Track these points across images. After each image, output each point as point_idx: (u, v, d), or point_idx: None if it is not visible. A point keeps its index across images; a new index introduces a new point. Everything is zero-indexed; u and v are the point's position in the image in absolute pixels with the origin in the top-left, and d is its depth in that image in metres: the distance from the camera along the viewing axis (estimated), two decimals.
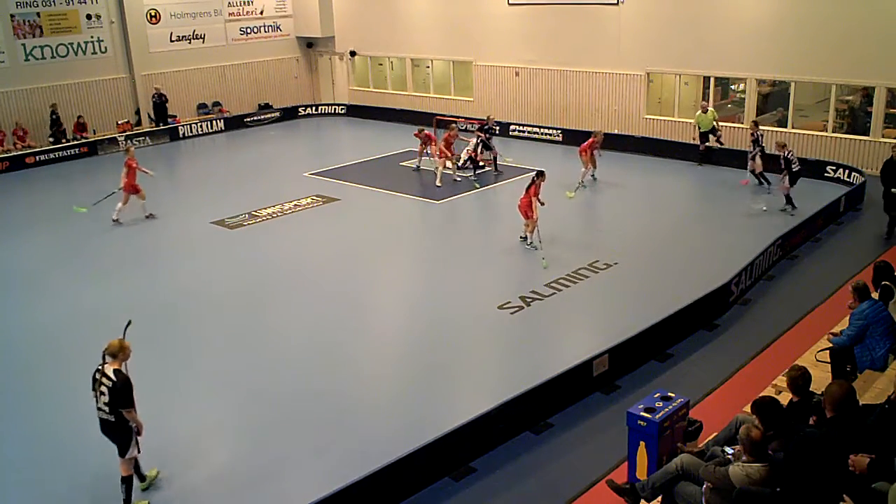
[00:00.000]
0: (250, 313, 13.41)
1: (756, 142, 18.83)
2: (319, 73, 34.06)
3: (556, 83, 25.86)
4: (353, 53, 32.39)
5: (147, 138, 27.52)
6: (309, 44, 33.38)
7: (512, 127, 26.20)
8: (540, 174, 15.84)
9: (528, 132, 25.90)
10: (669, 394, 7.55)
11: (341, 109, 32.18)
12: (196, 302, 13.98)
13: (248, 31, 31.75)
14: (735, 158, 21.04)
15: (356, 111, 31.66)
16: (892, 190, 14.81)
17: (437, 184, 20.51)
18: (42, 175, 23.96)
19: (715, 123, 21.14)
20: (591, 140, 20.21)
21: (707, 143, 21.19)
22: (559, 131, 25.10)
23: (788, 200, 17.16)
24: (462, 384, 11.01)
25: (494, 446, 9.11)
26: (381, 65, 32.25)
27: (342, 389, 10.80)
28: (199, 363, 11.71)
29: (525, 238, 15.93)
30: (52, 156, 25.28)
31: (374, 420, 10.07)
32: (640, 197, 19.61)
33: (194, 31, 30.13)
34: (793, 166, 16.93)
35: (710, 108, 21.29)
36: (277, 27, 32.63)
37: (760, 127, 19.40)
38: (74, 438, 9.80)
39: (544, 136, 25.46)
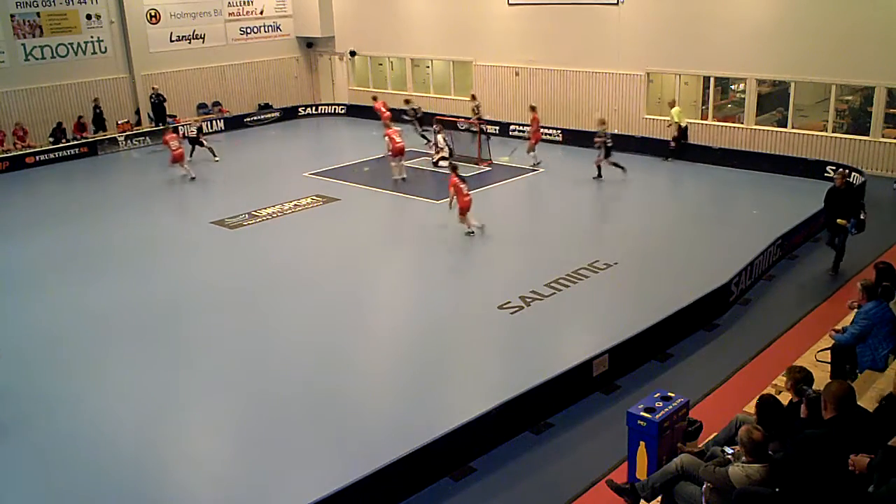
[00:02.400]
0: (250, 313, 13.41)
1: (475, 110, 24.30)
2: (319, 73, 34.07)
3: (556, 83, 25.86)
4: (352, 53, 32.40)
5: (147, 138, 27.53)
6: (309, 44, 33.38)
7: (512, 127, 26.19)
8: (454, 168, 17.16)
9: (529, 132, 25.85)
10: (669, 394, 7.54)
11: (341, 109, 32.19)
12: (196, 302, 13.98)
13: (248, 31, 31.75)
14: (735, 158, 21.09)
15: (356, 111, 31.64)
16: (838, 221, 13.54)
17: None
18: (42, 175, 23.95)
19: (680, 121, 21.69)
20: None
21: (678, 140, 21.82)
22: (559, 131, 25.11)
23: (599, 171, 20.48)
24: (462, 384, 11.01)
25: (494, 446, 9.11)
26: (381, 65, 32.25)
27: (342, 389, 10.80)
28: (198, 363, 11.71)
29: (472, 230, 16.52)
30: (52, 156, 25.29)
31: (373, 420, 10.07)
32: (640, 196, 19.59)
33: (194, 31, 30.12)
34: (608, 143, 20.12)
35: (677, 106, 21.77)
36: (277, 27, 32.63)
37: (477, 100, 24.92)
38: (74, 437, 9.83)
39: (544, 136, 25.36)
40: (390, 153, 21.18)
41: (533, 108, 22.55)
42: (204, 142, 24.73)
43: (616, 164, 20.32)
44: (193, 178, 22.05)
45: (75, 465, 9.30)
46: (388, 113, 25.94)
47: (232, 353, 11.98)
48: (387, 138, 21.46)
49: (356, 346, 12.17)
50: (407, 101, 26.39)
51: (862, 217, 13.48)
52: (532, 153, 22.06)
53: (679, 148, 21.97)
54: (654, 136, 23.21)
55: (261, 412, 10.31)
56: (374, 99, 27.00)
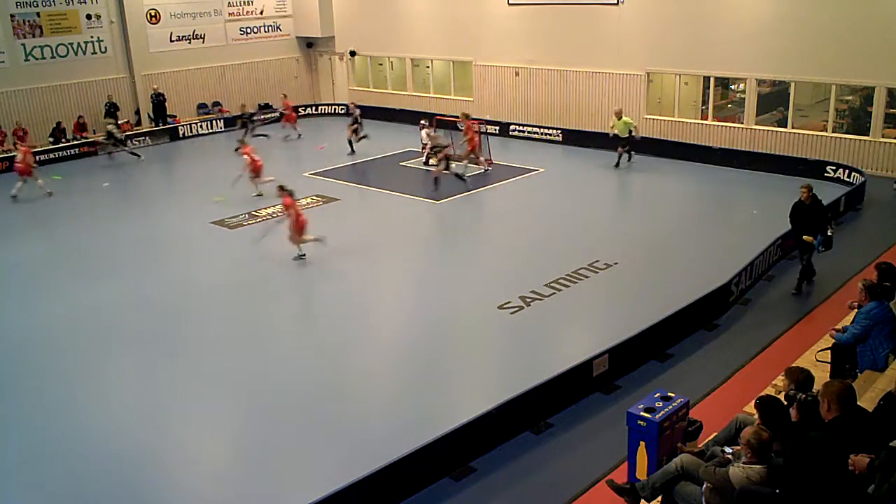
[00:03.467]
0: (250, 313, 13.42)
1: (356, 118, 24.39)
2: (319, 73, 34.06)
3: (556, 83, 25.84)
4: (352, 53, 32.39)
5: (147, 138, 27.52)
6: (309, 44, 33.37)
7: (512, 127, 26.21)
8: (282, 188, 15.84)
9: (529, 132, 25.89)
10: (669, 394, 7.54)
11: (341, 109, 32.12)
12: (196, 301, 13.98)
13: (248, 31, 31.74)
14: (735, 158, 21.10)
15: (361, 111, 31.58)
16: (804, 237, 12.93)
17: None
18: (42, 175, 23.86)
19: (632, 130, 21.28)
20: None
21: (623, 149, 21.44)
22: (559, 131, 25.10)
23: (459, 176, 20.30)
24: (462, 384, 11.01)
25: (495, 446, 9.11)
26: (381, 65, 32.24)
27: (342, 389, 10.80)
28: (198, 363, 11.71)
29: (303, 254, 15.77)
30: (52, 155, 25.26)
31: (373, 420, 10.08)
32: (640, 196, 19.60)
33: (194, 31, 30.12)
34: (448, 154, 20.21)
35: (625, 116, 21.38)
36: (277, 27, 32.61)
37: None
38: (75, 437, 9.83)
39: (544, 136, 25.45)
40: (250, 173, 19.82)
41: (466, 116, 22.19)
42: (126, 148, 25.00)
43: (458, 175, 20.29)
44: (50, 194, 21.04)
45: (74, 465, 9.30)
46: (293, 115, 27.50)
47: (232, 352, 11.99)
48: (246, 157, 19.93)
49: (356, 346, 12.16)
50: (243, 106, 27.35)
51: (829, 233, 12.97)
52: (465, 162, 21.68)
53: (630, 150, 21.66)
54: (655, 136, 23.20)
55: (261, 412, 10.31)
56: (285, 97, 28.45)
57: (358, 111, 25.01)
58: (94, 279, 15.06)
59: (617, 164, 21.54)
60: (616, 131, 21.43)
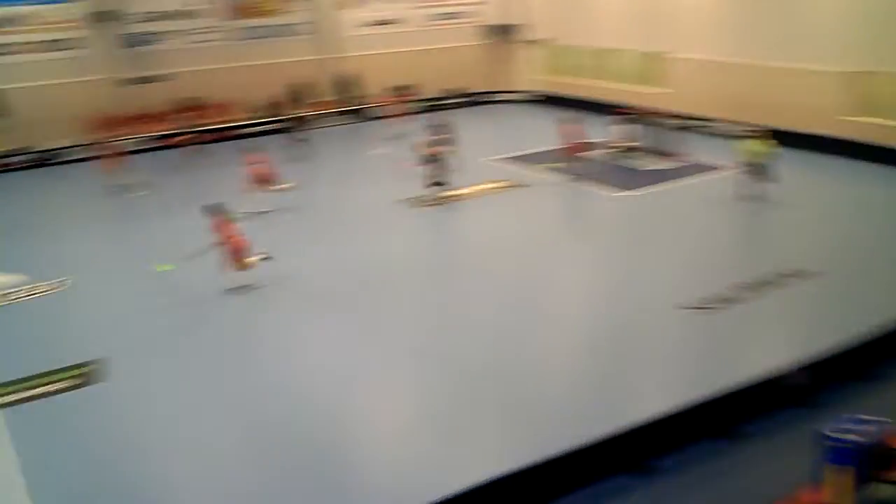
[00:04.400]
0: (436, 290, 13.97)
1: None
2: (509, 60, 34.26)
3: (755, 77, 24.30)
4: (543, 41, 32.32)
5: (334, 117, 29.31)
6: (500, 30, 33.64)
7: (707, 121, 25.16)
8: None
9: (727, 129, 24.75)
10: (870, 417, 7.15)
11: (531, 97, 32.19)
12: (386, 275, 14.67)
13: (441, 16, 32.58)
14: None
15: (546, 100, 31.56)
16: None
17: None
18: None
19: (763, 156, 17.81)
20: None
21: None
22: (760, 129, 23.71)
23: None
24: (650, 381, 10.79)
25: (682, 446, 8.95)
26: (573, 53, 31.99)
27: (517, 374, 10.93)
28: (391, 332, 12.41)
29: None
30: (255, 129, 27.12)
31: (555, 406, 10.14)
32: (853, 201, 18.02)
33: (388, 15, 31.26)
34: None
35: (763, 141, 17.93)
36: (470, 13, 33.14)
37: None
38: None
39: (746, 134, 24.11)
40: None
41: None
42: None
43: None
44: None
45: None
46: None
47: (420, 322, 12.66)
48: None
49: (535, 332, 12.25)
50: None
51: None
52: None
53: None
54: (862, 139, 21.33)
55: (439, 389, 10.68)
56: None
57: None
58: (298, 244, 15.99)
59: (749, 195, 18.05)
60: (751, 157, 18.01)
